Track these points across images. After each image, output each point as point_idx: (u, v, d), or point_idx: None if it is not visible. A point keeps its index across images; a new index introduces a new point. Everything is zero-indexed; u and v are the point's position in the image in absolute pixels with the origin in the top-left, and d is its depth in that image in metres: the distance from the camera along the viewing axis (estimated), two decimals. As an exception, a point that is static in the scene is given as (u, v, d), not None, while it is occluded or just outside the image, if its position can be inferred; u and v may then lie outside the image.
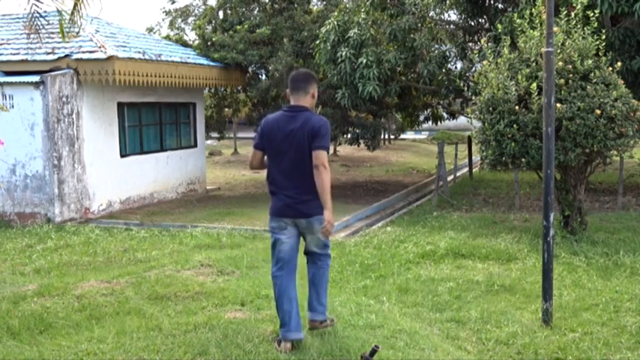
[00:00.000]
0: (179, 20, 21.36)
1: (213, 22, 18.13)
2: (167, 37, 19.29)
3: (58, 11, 7.09)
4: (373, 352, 4.40)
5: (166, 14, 21.59)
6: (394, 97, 15.55)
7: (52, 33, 11.52)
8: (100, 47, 12.51)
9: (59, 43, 12.63)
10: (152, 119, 15.07)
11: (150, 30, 21.51)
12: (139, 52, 13.34)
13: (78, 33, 12.45)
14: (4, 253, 9.43)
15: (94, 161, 13.01)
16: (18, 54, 12.95)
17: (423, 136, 34.76)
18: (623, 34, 12.18)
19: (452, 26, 15.95)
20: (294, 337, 4.90)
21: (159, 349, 4.91)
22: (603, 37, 9.56)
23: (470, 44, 15.48)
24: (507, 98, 9.38)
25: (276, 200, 4.97)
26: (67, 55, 12.47)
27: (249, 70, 17.76)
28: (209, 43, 16.83)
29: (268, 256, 8.95)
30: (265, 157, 5.05)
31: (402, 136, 31.99)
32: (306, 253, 5.16)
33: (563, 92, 9.20)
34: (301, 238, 5.12)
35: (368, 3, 14.96)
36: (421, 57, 14.53)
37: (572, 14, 9.47)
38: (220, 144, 29.39)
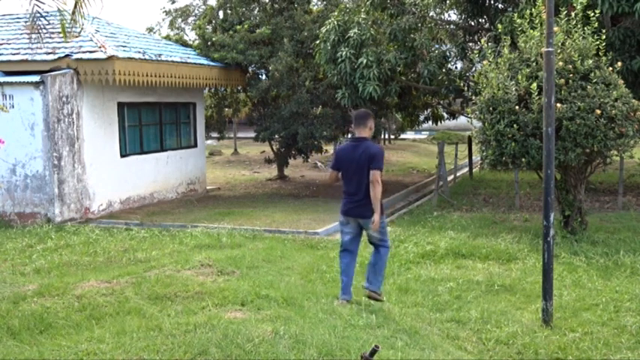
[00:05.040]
0: (179, 20, 21.33)
1: (213, 22, 18.12)
2: (167, 37, 19.27)
3: (59, 11, 7.06)
4: (373, 352, 4.39)
5: (166, 14, 21.57)
6: (394, 97, 15.54)
7: (53, 33, 11.50)
8: (100, 47, 12.51)
9: (59, 43, 12.62)
10: (152, 119, 15.06)
11: (150, 30, 21.49)
12: (139, 52, 13.34)
13: (80, 33, 12.43)
14: (4, 253, 9.43)
15: (94, 161, 13.01)
16: (18, 54, 12.95)
17: (423, 136, 34.76)
18: (623, 33, 12.17)
19: (452, 26, 15.94)
20: (347, 298, 6.67)
21: (159, 349, 4.91)
22: (603, 37, 9.56)
23: (470, 44, 15.47)
24: (507, 98, 9.38)
25: (346, 203, 6.66)
26: (67, 55, 12.47)
27: (249, 70, 17.75)
28: (209, 43, 16.83)
29: (268, 256, 9.08)
30: (339, 174, 6.75)
31: (402, 136, 32.03)
32: (370, 243, 6.83)
33: (563, 92, 9.19)
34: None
35: (368, 3, 14.95)
36: (421, 57, 14.52)
37: (573, 14, 9.47)
38: (220, 144, 29.39)
